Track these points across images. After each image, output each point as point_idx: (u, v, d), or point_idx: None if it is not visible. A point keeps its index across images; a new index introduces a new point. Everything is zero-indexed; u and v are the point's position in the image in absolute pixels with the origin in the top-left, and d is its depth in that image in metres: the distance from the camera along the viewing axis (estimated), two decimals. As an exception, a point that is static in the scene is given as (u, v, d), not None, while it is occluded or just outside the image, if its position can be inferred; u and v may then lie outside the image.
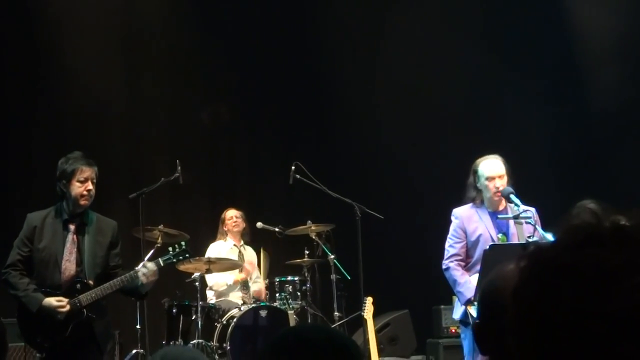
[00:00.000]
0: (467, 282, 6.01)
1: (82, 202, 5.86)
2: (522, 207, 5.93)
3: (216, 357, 7.88)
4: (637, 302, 1.07)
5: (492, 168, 6.14)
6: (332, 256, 8.43)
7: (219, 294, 8.84)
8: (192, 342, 7.82)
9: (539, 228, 5.84)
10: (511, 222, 6.10)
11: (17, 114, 9.87)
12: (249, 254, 9.21)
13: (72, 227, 5.89)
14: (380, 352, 8.07)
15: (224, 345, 7.91)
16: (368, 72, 10.61)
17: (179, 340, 7.98)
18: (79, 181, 5.83)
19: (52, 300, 5.72)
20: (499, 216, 6.12)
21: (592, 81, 10.23)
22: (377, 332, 8.38)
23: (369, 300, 7.69)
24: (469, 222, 6.17)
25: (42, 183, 7.94)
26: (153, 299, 8.06)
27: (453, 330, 8.93)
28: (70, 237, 5.87)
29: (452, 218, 6.28)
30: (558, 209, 6.39)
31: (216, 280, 8.80)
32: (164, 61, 10.52)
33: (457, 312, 6.20)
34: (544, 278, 1.13)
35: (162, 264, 6.08)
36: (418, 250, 9.32)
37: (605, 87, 9.98)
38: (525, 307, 1.14)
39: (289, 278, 8.59)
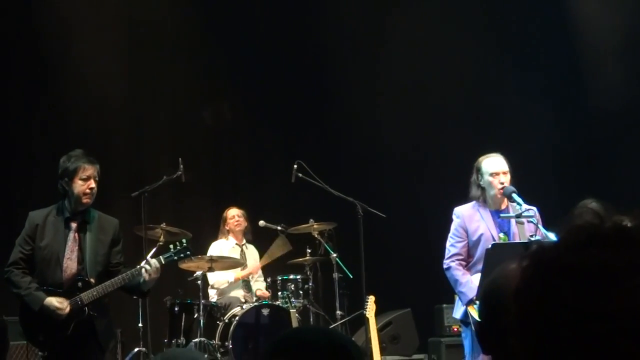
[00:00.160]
0: (469, 282, 6.00)
1: (85, 200, 5.86)
2: (525, 205, 5.91)
3: (218, 355, 7.88)
4: (638, 302, 1.07)
5: (495, 164, 6.14)
6: (334, 255, 8.43)
7: (220, 292, 8.84)
8: (194, 340, 7.83)
9: (541, 227, 5.83)
10: (513, 221, 6.09)
11: (19, 112, 9.88)
12: (251, 252, 9.21)
13: (73, 225, 5.89)
14: (382, 351, 8.06)
15: (226, 343, 7.91)
16: (370, 71, 10.61)
17: (181, 338, 7.99)
18: (81, 179, 5.83)
19: (53, 301, 5.72)
20: (502, 215, 6.11)
21: (594, 80, 10.22)
22: (379, 330, 8.37)
23: (371, 299, 7.68)
24: (470, 221, 6.16)
25: (44, 181, 7.94)
26: (155, 298, 8.07)
27: (455, 329, 8.92)
28: (72, 235, 5.87)
29: (454, 217, 6.26)
30: (559, 208, 6.41)
31: (217, 279, 8.81)
32: (166, 60, 10.52)
33: (458, 312, 6.19)
34: (546, 278, 1.13)
35: (163, 262, 6.07)
36: (420, 248, 9.31)
37: (608, 86, 9.97)
38: (527, 306, 1.14)
39: (291, 276, 8.59)
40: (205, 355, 7.73)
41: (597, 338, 1.07)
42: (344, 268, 8.43)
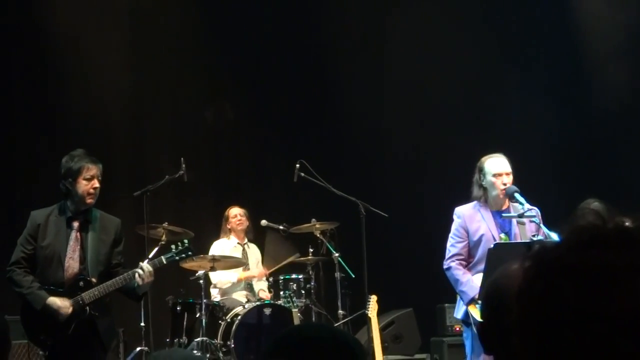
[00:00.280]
0: (470, 281, 5.99)
1: (89, 200, 5.87)
2: (527, 205, 5.90)
3: (220, 355, 7.88)
4: (639, 303, 1.07)
5: (499, 165, 6.13)
6: (337, 254, 8.44)
7: (223, 292, 8.84)
8: (196, 339, 7.83)
9: (543, 227, 5.82)
10: (514, 222, 6.07)
11: (21, 112, 9.88)
12: (253, 251, 9.21)
13: (75, 224, 5.89)
14: (385, 351, 8.07)
15: (228, 343, 7.91)
16: (372, 70, 10.60)
17: (183, 338, 7.99)
18: (85, 179, 5.83)
19: (56, 300, 5.72)
20: (504, 215, 6.10)
21: (596, 79, 10.20)
22: (382, 330, 8.38)
23: (373, 299, 7.68)
24: (471, 221, 6.15)
25: (46, 181, 7.95)
26: (157, 297, 8.08)
27: (457, 329, 8.92)
28: (74, 235, 5.87)
29: (454, 217, 6.25)
30: (560, 209, 6.39)
31: (220, 278, 8.81)
32: (168, 59, 10.52)
33: (459, 312, 6.18)
34: (548, 278, 1.13)
35: (165, 262, 6.07)
36: (422, 248, 9.30)
37: (610, 86, 9.96)
38: (528, 307, 1.14)
39: (294, 276, 8.59)
40: (207, 355, 7.73)
41: (598, 338, 1.07)
42: (346, 267, 8.43)
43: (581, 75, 10.32)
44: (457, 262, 6.12)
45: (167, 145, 10.24)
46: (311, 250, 8.69)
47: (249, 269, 9.01)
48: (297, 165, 8.32)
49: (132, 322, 8.19)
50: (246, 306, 8.18)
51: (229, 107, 10.87)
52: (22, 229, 5.96)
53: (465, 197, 6.33)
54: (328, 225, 8.70)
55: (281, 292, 8.39)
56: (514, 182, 6.11)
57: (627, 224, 1.14)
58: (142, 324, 7.86)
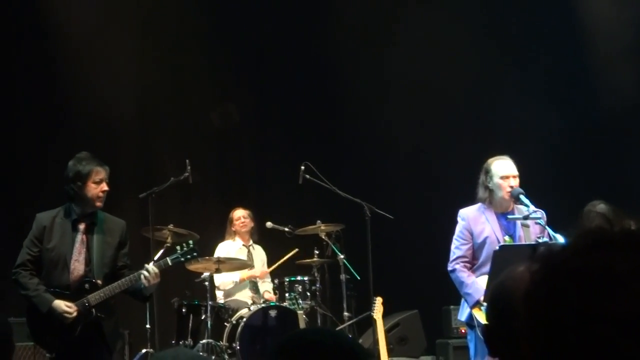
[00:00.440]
0: (475, 283, 5.98)
1: (98, 203, 5.89)
2: (532, 207, 5.90)
3: (225, 356, 7.88)
4: None
5: (506, 167, 6.12)
6: (342, 256, 8.43)
7: (226, 293, 8.84)
8: (201, 341, 7.83)
9: (548, 229, 5.81)
10: (518, 224, 6.07)
11: (26, 114, 9.90)
12: (258, 253, 9.21)
13: (81, 227, 5.89)
14: (390, 353, 8.06)
15: (234, 345, 7.91)
16: (377, 73, 10.59)
17: (189, 339, 7.99)
18: (94, 182, 5.84)
19: (61, 304, 5.72)
20: (509, 216, 6.09)
21: (601, 80, 10.18)
22: (387, 332, 8.37)
23: (379, 301, 7.68)
24: (475, 223, 6.15)
25: (52, 183, 7.96)
26: (163, 299, 8.08)
27: (463, 331, 8.90)
28: (80, 237, 5.87)
29: (459, 219, 6.25)
30: (566, 210, 6.39)
31: (223, 280, 8.80)
32: (173, 61, 10.52)
33: (463, 314, 6.17)
34: (554, 281, 1.13)
35: (170, 263, 6.08)
36: (428, 250, 9.29)
37: (615, 86, 9.93)
38: (535, 309, 1.14)
39: (299, 278, 8.59)
40: (213, 357, 7.74)
41: (602, 341, 1.07)
42: (352, 269, 8.43)
43: (585, 75, 10.29)
44: (462, 264, 6.12)
45: (172, 147, 10.24)
46: (316, 252, 8.69)
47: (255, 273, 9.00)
48: (302, 167, 8.32)
49: (138, 324, 8.20)
50: (251, 308, 8.18)
51: (234, 110, 10.87)
52: (27, 232, 5.97)
53: (470, 199, 6.32)
54: (333, 227, 8.69)
55: (286, 294, 8.39)
56: (521, 185, 6.11)
57: (632, 227, 1.14)
58: (148, 325, 7.86)
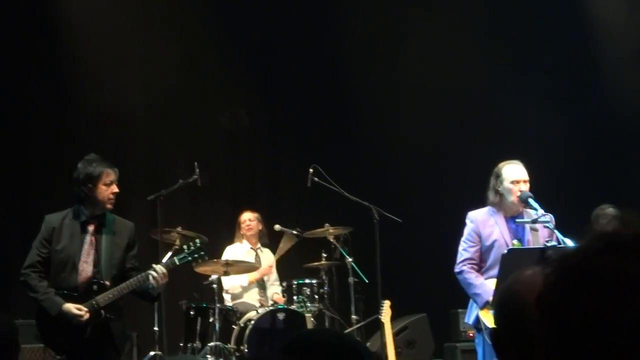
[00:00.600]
0: (484, 284, 5.97)
1: (108, 205, 5.90)
2: (541, 211, 5.89)
3: (233, 359, 7.89)
4: None
5: (517, 172, 6.12)
6: (350, 259, 8.43)
7: (234, 296, 8.84)
8: (209, 344, 7.83)
9: (557, 232, 5.80)
10: (527, 228, 6.06)
11: (36, 116, 9.92)
12: (266, 256, 9.21)
13: (91, 228, 5.91)
14: (398, 356, 8.04)
15: (242, 347, 7.91)
16: (387, 75, 10.59)
17: (197, 342, 8.00)
18: (105, 184, 5.86)
19: (71, 308, 5.72)
20: (517, 220, 6.09)
21: (611, 82, 10.15)
22: (395, 335, 8.35)
23: (387, 304, 7.67)
24: (484, 226, 6.14)
25: (61, 184, 7.98)
26: (171, 301, 8.09)
27: (471, 334, 8.87)
28: (88, 239, 5.88)
29: (467, 221, 6.25)
30: (572, 214, 6.37)
31: (232, 283, 8.80)
32: (183, 64, 10.54)
33: (471, 317, 6.16)
34: (566, 285, 1.12)
35: (177, 263, 6.08)
36: (436, 253, 9.27)
37: (625, 89, 9.91)
38: (547, 313, 1.14)
39: (307, 281, 8.58)
40: (221, 360, 7.74)
41: (612, 349, 1.06)
42: (360, 272, 8.42)
43: (595, 79, 10.27)
44: (469, 266, 6.12)
45: (181, 149, 10.26)
46: (324, 255, 8.68)
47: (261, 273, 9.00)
48: (311, 170, 8.32)
49: (146, 326, 8.20)
50: (259, 311, 8.18)
51: (243, 113, 10.89)
52: (35, 233, 5.97)
53: (478, 202, 6.32)
54: (341, 230, 8.69)
55: (294, 297, 8.39)
56: (530, 189, 6.10)
57: None
58: (156, 328, 7.87)
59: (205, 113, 10.68)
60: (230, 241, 9.23)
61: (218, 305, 7.99)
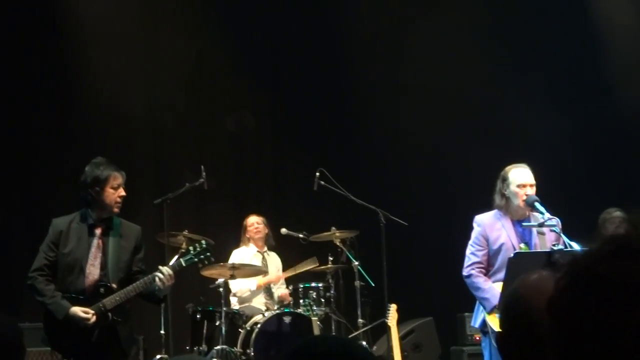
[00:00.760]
0: (492, 289, 5.96)
1: (116, 209, 5.91)
2: (547, 215, 5.89)
3: (240, 363, 7.89)
4: None
5: (524, 176, 6.12)
6: (356, 263, 8.42)
7: (242, 300, 8.84)
8: (215, 347, 7.83)
9: (564, 236, 5.80)
10: (534, 232, 6.06)
11: (42, 119, 9.94)
12: (273, 259, 9.20)
13: (97, 231, 5.92)
14: (404, 360, 8.05)
15: (248, 351, 7.91)
16: (392, 79, 10.59)
17: (203, 345, 8.00)
18: (112, 188, 5.87)
19: (78, 311, 5.73)
20: (524, 224, 6.09)
21: (618, 88, 10.14)
22: (401, 339, 8.35)
23: (393, 307, 7.67)
24: (491, 230, 6.14)
25: (67, 188, 7.99)
26: (177, 305, 8.09)
27: (477, 338, 8.86)
28: (96, 242, 5.89)
29: (474, 225, 6.24)
30: (577, 217, 6.37)
31: (240, 287, 8.80)
32: (189, 67, 10.55)
33: (477, 321, 6.15)
34: (576, 289, 1.12)
35: (184, 264, 6.09)
36: (442, 257, 9.27)
37: (633, 95, 9.89)
38: (557, 317, 1.13)
39: (313, 284, 8.57)
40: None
41: (619, 354, 1.05)
42: (366, 276, 8.42)
43: (600, 80, 10.26)
44: (477, 270, 6.11)
45: (187, 153, 10.27)
46: (331, 258, 8.67)
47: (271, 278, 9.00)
48: (317, 174, 8.33)
49: (152, 329, 8.21)
50: (266, 314, 8.17)
51: (249, 116, 10.89)
52: (42, 237, 5.99)
53: (485, 206, 6.31)
54: (348, 233, 8.69)
55: (301, 301, 8.38)
56: (535, 192, 6.10)
57: None
58: (162, 331, 7.88)
59: (212, 116, 10.69)
60: (237, 245, 9.23)
61: (224, 308, 7.99)
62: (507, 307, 2.12)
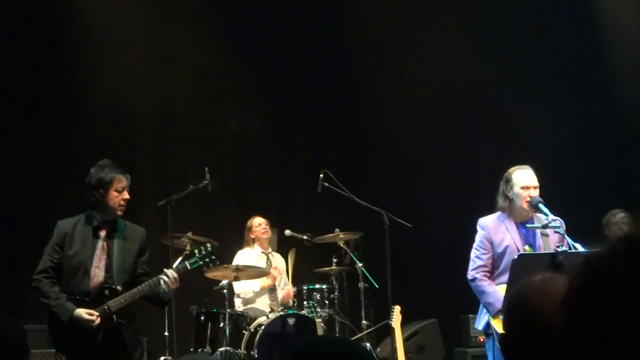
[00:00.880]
0: (496, 292, 5.96)
1: (119, 212, 5.92)
2: (551, 216, 5.88)
3: (244, 364, 7.89)
4: None
5: (527, 177, 6.12)
6: (360, 264, 8.42)
7: (246, 301, 8.84)
8: (219, 349, 7.83)
9: (567, 238, 5.79)
10: (538, 233, 6.05)
11: (46, 122, 9.95)
12: (277, 260, 9.21)
13: (102, 233, 5.93)
14: (408, 361, 8.04)
15: (252, 352, 7.91)
16: (397, 80, 10.59)
17: (207, 347, 8.00)
18: (116, 190, 5.88)
19: (82, 313, 5.74)
20: (528, 225, 6.08)
21: (622, 89, 10.13)
22: (405, 340, 8.35)
23: (397, 309, 7.67)
24: (495, 233, 6.13)
25: (72, 190, 8.00)
26: (181, 306, 8.10)
27: (481, 340, 8.86)
28: (100, 244, 5.90)
29: (478, 228, 6.23)
30: (582, 220, 6.37)
31: (243, 288, 8.80)
32: (193, 69, 10.56)
33: (481, 323, 6.15)
34: (589, 290, 1.12)
35: (189, 268, 6.10)
36: (446, 258, 9.28)
37: (632, 92, 9.89)
38: (571, 317, 1.13)
39: (317, 286, 8.58)
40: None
41: (632, 355, 1.05)
42: (370, 278, 8.41)
43: (606, 85, 10.26)
44: (482, 273, 6.10)
45: (191, 155, 10.28)
46: (335, 260, 8.68)
47: (271, 277, 9.00)
48: (321, 175, 8.33)
49: (156, 331, 8.22)
50: (270, 316, 8.17)
51: (253, 117, 10.90)
52: (47, 239, 6.00)
53: (489, 208, 6.31)
54: (352, 235, 8.68)
55: (305, 302, 8.39)
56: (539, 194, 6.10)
57: None
58: (166, 333, 7.88)
59: (216, 118, 10.69)
60: (240, 246, 9.23)
61: (228, 310, 7.99)
62: (510, 308, 2.12)
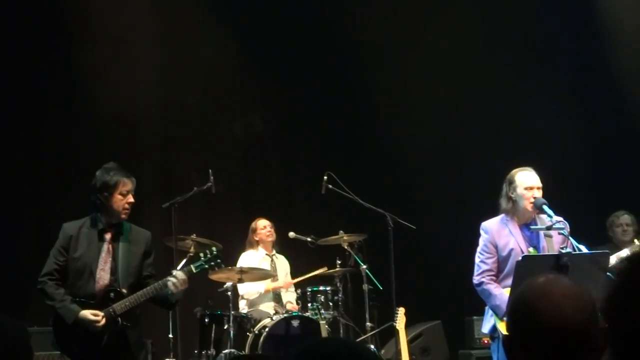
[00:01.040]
0: (502, 295, 5.94)
1: (123, 215, 5.93)
2: (555, 217, 5.87)
3: (248, 366, 7.88)
4: None
5: (530, 179, 6.11)
6: (364, 266, 8.42)
7: (250, 303, 8.85)
8: (224, 351, 7.85)
9: (572, 239, 5.78)
10: (542, 235, 6.04)
11: (51, 124, 9.97)
12: (281, 262, 9.21)
13: (108, 236, 5.94)
14: (412, 363, 8.04)
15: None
16: (400, 82, 10.60)
17: (211, 349, 8.01)
18: (121, 194, 5.89)
19: (87, 314, 5.75)
20: (532, 227, 6.07)
21: (627, 92, 10.13)
22: (409, 342, 8.35)
23: (401, 311, 7.67)
24: (499, 236, 6.11)
25: (77, 192, 8.01)
26: (185, 309, 8.10)
27: (485, 342, 8.84)
28: (106, 247, 5.91)
29: (482, 232, 6.21)
30: (584, 221, 6.36)
31: (247, 290, 8.81)
32: (197, 71, 10.57)
33: (486, 326, 6.13)
34: (631, 289, 1.11)
35: (194, 271, 6.10)
36: (450, 260, 9.28)
37: (635, 93, 9.88)
38: (614, 318, 1.12)
39: (321, 288, 8.58)
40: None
41: None
42: (374, 279, 8.42)
43: (608, 86, 10.25)
44: (488, 277, 6.07)
45: (195, 157, 10.28)
46: (339, 262, 8.67)
47: (277, 280, 9.01)
48: (325, 177, 8.33)
49: (161, 333, 8.22)
50: (274, 318, 8.18)
51: (257, 120, 10.90)
52: (53, 241, 6.01)
53: (493, 210, 6.30)
54: (356, 237, 8.68)
55: (309, 304, 8.39)
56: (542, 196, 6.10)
57: None
58: (171, 335, 7.89)
59: (220, 120, 10.70)
60: (244, 248, 9.23)
61: (232, 312, 8.00)
62: (513, 309, 2.13)
